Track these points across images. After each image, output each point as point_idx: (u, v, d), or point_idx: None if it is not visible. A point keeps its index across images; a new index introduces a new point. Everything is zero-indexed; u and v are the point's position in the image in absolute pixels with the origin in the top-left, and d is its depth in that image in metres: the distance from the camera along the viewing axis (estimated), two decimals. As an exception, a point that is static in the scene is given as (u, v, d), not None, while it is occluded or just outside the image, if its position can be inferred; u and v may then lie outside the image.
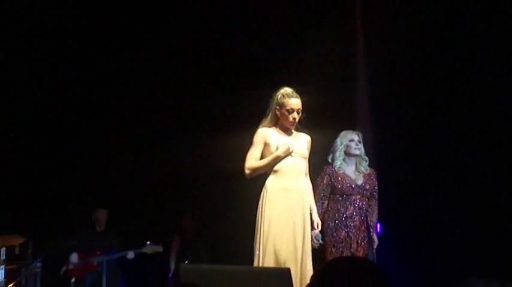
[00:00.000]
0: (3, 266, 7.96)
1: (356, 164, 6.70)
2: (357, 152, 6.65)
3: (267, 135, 5.67)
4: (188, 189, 9.37)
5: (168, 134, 9.55)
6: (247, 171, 5.64)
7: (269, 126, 5.76)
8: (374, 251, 6.63)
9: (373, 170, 6.80)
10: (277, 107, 5.69)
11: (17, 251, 8.27)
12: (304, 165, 5.76)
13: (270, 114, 5.75)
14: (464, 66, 8.31)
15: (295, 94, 5.69)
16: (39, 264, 8.46)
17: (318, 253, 6.43)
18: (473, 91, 8.18)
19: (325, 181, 6.60)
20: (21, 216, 8.68)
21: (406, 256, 8.03)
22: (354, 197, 6.58)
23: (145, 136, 9.72)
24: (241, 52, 9.32)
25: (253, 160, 5.64)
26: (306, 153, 5.76)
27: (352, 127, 7.16)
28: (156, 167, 9.48)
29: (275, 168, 5.60)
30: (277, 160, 5.57)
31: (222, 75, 9.45)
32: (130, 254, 8.65)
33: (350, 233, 6.48)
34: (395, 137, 8.36)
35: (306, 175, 5.82)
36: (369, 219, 6.60)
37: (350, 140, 6.68)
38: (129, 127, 9.74)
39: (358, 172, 6.69)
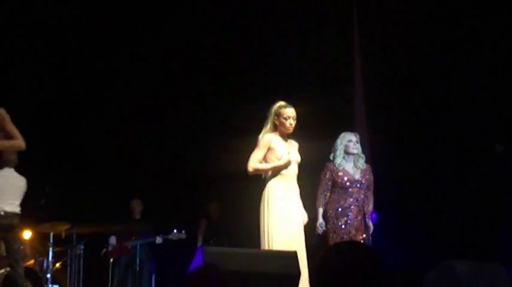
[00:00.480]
0: (51, 248, 8.03)
1: (354, 161, 6.77)
2: (355, 151, 6.74)
3: (271, 141, 5.93)
4: (214, 184, 9.37)
5: (197, 139, 9.54)
6: (250, 169, 5.91)
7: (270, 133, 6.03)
8: (370, 236, 6.70)
9: (369, 166, 6.88)
10: (276, 117, 5.97)
11: (63, 236, 8.36)
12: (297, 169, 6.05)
13: (269, 125, 6.01)
14: (457, 70, 8.28)
15: (289, 105, 6.00)
16: (82, 247, 8.55)
17: (321, 238, 6.52)
18: (462, 93, 8.18)
19: (327, 176, 6.71)
20: (68, 205, 8.73)
21: (397, 240, 8.07)
22: (352, 189, 6.66)
23: (177, 139, 9.71)
24: (246, 62, 9.25)
25: (256, 161, 5.90)
26: (299, 159, 6.01)
27: (350, 128, 7.22)
28: (186, 166, 9.47)
29: (282, 172, 5.87)
30: (279, 168, 5.84)
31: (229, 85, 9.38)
32: (159, 239, 8.77)
33: (349, 221, 6.57)
34: (389, 136, 8.39)
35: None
36: (365, 208, 6.68)
37: (348, 141, 6.76)
38: (163, 131, 9.74)
39: (356, 167, 6.76)
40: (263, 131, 5.97)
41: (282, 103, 5.97)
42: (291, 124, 5.90)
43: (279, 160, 5.82)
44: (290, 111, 5.91)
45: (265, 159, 5.90)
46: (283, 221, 5.75)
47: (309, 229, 6.50)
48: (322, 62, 8.74)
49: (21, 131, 5.80)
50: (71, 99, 9.59)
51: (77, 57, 9.31)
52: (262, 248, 5.77)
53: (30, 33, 8.90)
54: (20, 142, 5.72)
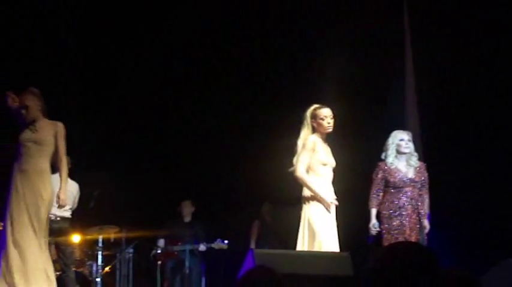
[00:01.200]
0: (101, 252, 8.20)
1: (407, 159, 6.74)
2: (407, 150, 6.72)
3: (316, 144, 6.02)
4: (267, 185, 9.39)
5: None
6: (298, 175, 5.97)
7: None
8: (425, 236, 6.67)
9: (422, 163, 6.85)
10: (313, 120, 6.08)
11: (112, 240, 8.53)
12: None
13: (305, 127, 6.09)
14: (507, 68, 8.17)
15: (324, 105, 6.10)
16: (131, 250, 8.70)
17: (375, 239, 6.53)
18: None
19: (379, 176, 6.71)
20: (117, 208, 8.87)
21: (453, 239, 8.01)
22: (405, 189, 6.64)
23: (228, 139, 9.78)
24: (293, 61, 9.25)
25: (305, 166, 5.96)
26: (334, 164, 6.16)
27: (402, 126, 7.21)
28: (239, 166, 9.53)
29: (320, 173, 5.99)
30: (319, 199, 5.91)
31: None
32: (202, 247, 8.91)
33: (403, 221, 6.56)
34: (443, 131, 8.33)
35: None
36: (420, 207, 6.64)
37: (400, 139, 6.74)
38: (215, 131, 9.84)
39: (409, 165, 6.72)
40: (302, 136, 6.06)
41: (316, 105, 6.09)
42: (329, 123, 6.02)
43: (323, 164, 5.95)
44: (326, 111, 6.04)
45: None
46: (323, 223, 5.87)
47: (363, 230, 6.52)
48: (373, 58, 8.70)
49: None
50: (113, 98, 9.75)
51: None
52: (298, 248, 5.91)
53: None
54: (65, 163, 6.08)
